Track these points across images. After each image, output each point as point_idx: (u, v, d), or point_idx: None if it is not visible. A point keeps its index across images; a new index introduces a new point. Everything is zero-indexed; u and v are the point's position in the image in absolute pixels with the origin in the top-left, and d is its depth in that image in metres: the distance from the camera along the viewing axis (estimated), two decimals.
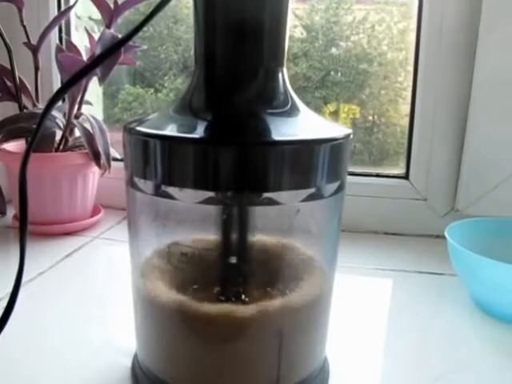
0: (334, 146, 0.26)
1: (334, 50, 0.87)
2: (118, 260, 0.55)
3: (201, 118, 0.26)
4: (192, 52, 0.28)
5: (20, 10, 0.56)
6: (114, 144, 0.59)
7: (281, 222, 0.28)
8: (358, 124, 0.85)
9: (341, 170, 0.28)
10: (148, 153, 0.26)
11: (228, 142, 0.24)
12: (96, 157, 0.56)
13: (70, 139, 0.59)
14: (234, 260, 0.29)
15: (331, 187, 0.28)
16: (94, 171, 0.60)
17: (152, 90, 0.89)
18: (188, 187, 0.26)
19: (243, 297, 0.28)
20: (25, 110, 0.58)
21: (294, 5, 0.91)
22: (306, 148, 0.25)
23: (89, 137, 0.55)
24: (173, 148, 0.25)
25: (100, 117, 0.82)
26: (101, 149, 0.55)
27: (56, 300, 0.45)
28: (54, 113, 0.58)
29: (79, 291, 0.47)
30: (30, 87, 0.59)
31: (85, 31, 0.57)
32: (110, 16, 0.54)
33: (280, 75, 0.28)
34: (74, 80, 0.30)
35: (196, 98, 0.27)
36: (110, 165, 0.57)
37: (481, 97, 0.56)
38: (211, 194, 0.27)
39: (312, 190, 0.26)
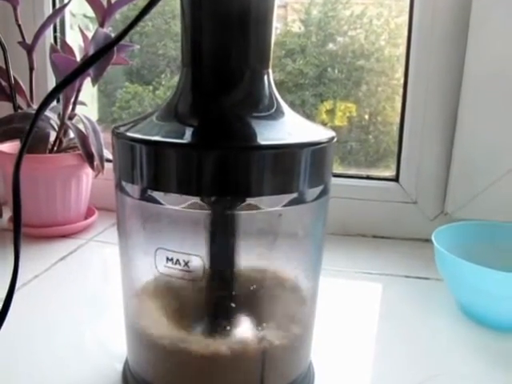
0: (317, 150, 0.28)
1: (331, 46, 0.89)
2: (112, 263, 0.57)
3: (187, 123, 0.28)
4: None
5: (15, 9, 0.58)
6: (110, 145, 0.62)
7: (264, 227, 0.30)
8: (355, 122, 0.87)
9: (324, 173, 0.29)
10: (134, 157, 0.28)
11: (210, 146, 0.26)
12: (89, 158, 0.58)
13: (64, 140, 0.61)
14: (221, 291, 0.31)
15: (314, 191, 0.29)
16: (88, 173, 0.62)
17: (150, 88, 0.91)
18: (172, 192, 0.28)
19: (228, 329, 0.30)
20: (19, 111, 0.60)
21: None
22: (288, 152, 0.26)
23: (82, 138, 0.57)
24: (157, 152, 0.27)
25: (95, 117, 0.84)
26: (94, 150, 0.58)
27: (50, 303, 0.46)
28: (48, 113, 0.60)
29: (73, 295, 0.48)
30: (25, 87, 0.62)
31: (78, 28, 0.59)
32: (103, 14, 0.56)
33: (265, 78, 0.29)
34: (66, 82, 0.32)
35: (182, 102, 0.29)
36: (103, 166, 0.59)
37: (470, 101, 0.58)
38: (196, 199, 0.29)
39: (294, 195, 0.28)
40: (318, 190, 0.29)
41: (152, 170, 0.27)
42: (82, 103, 0.63)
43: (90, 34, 0.58)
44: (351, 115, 0.88)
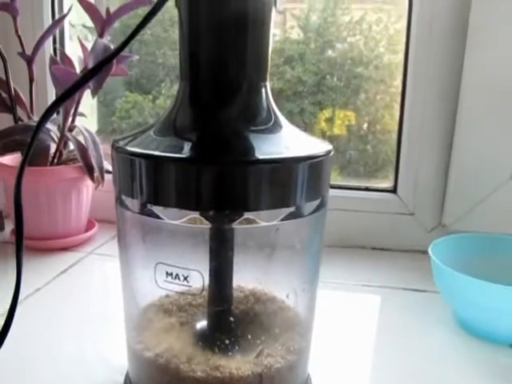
0: (314, 164, 0.28)
1: (330, 53, 0.90)
2: (112, 276, 0.57)
3: (185, 137, 0.29)
4: None
5: (15, 19, 0.59)
6: (110, 156, 0.62)
7: (261, 240, 0.31)
8: (354, 131, 0.88)
9: (321, 187, 0.30)
10: (134, 171, 0.29)
11: (208, 161, 0.26)
12: (89, 170, 0.59)
13: (64, 152, 0.62)
14: (220, 306, 0.31)
15: (311, 205, 0.30)
16: (88, 185, 0.63)
17: (150, 97, 0.92)
18: (171, 206, 0.28)
19: (227, 343, 0.31)
20: (20, 122, 0.61)
21: (291, 4, 0.93)
22: (285, 166, 0.27)
23: (82, 150, 0.58)
24: (157, 167, 0.27)
25: (95, 127, 0.85)
26: (94, 162, 0.58)
27: (52, 317, 0.47)
28: (49, 126, 0.61)
29: (75, 308, 0.49)
30: (25, 99, 0.62)
31: (78, 38, 0.60)
32: (102, 25, 0.57)
33: (263, 90, 0.30)
34: (66, 95, 0.32)
35: (181, 116, 0.29)
36: (103, 178, 0.60)
37: (467, 113, 0.59)
38: (195, 213, 0.29)
39: (292, 209, 0.29)
40: (315, 203, 0.30)
41: (151, 184, 0.28)
42: (82, 114, 0.64)
43: (88, 45, 0.58)
44: (350, 123, 0.88)
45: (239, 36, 0.27)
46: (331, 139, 0.89)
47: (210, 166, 0.26)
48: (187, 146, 0.28)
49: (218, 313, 0.33)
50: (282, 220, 0.29)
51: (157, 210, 0.29)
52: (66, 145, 0.62)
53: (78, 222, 0.64)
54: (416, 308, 0.51)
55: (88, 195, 0.64)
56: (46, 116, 0.33)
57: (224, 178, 0.26)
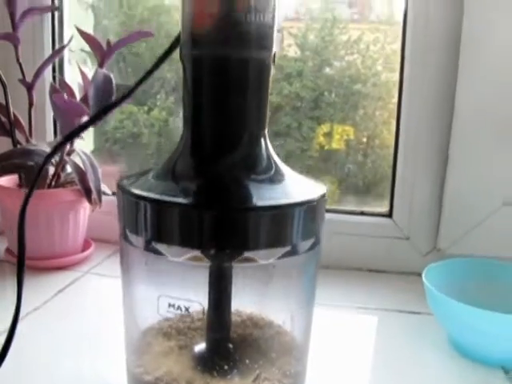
0: (309, 208, 0.31)
1: (327, 70, 0.92)
2: (109, 296, 0.59)
3: (188, 182, 0.31)
4: None
5: (16, 48, 0.62)
6: (107, 176, 0.64)
7: (259, 276, 0.33)
8: (353, 146, 0.89)
9: (316, 226, 0.32)
10: (139, 212, 0.31)
11: (211, 206, 0.29)
12: (87, 193, 0.61)
13: (62, 175, 0.64)
14: (219, 334, 0.34)
15: (306, 244, 0.32)
16: (85, 206, 0.65)
17: (145, 108, 0.92)
18: (175, 245, 0.31)
19: (226, 368, 0.33)
20: (18, 146, 0.63)
21: (288, 23, 0.96)
22: (282, 212, 0.29)
23: (81, 174, 0.60)
24: (161, 210, 0.30)
25: (91, 143, 0.87)
26: (92, 185, 0.60)
27: (50, 335, 0.49)
28: (46, 149, 0.63)
29: (72, 327, 0.51)
30: (24, 122, 0.64)
31: (77, 64, 0.62)
32: (102, 56, 0.59)
33: (262, 140, 0.32)
34: (73, 134, 0.35)
35: (185, 162, 0.32)
36: (101, 200, 0.62)
37: (460, 140, 0.61)
38: (197, 251, 0.31)
39: (288, 248, 0.31)
40: (309, 242, 0.32)
41: (156, 224, 0.30)
42: (80, 137, 0.65)
43: (86, 69, 0.60)
44: (349, 138, 0.90)
45: (240, 93, 0.30)
46: (330, 153, 0.92)
47: (211, 211, 0.28)
48: (190, 191, 0.30)
49: (216, 340, 0.35)
50: (279, 258, 0.31)
51: (160, 247, 0.31)
52: (63, 168, 0.64)
53: (75, 242, 0.66)
54: (411, 330, 0.53)
55: (85, 216, 0.66)
56: (54, 152, 0.35)
57: (225, 222, 0.29)
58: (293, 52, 0.92)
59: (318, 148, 0.92)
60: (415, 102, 0.64)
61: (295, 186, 0.32)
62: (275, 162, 0.32)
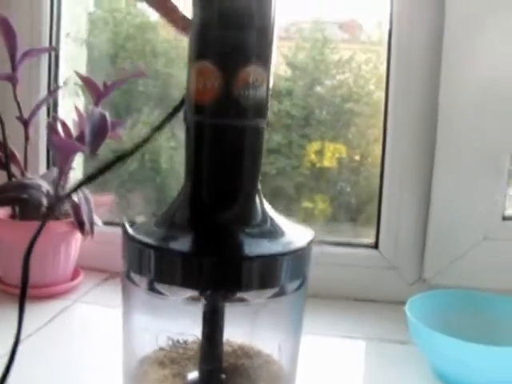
0: (297, 255, 0.35)
1: (319, 89, 0.94)
2: (98, 324, 0.64)
3: (188, 232, 0.36)
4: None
5: (14, 87, 0.65)
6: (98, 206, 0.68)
7: (250, 313, 0.37)
8: (345, 164, 0.92)
9: (302, 269, 0.37)
10: (143, 257, 0.35)
11: (208, 255, 0.33)
12: (81, 226, 0.64)
13: (55, 207, 0.67)
14: (213, 364, 0.37)
15: (294, 284, 0.36)
16: (77, 237, 0.68)
17: (129, 124, 0.93)
18: (175, 285, 0.35)
19: None
20: (13, 179, 0.66)
21: (278, 42, 0.98)
22: (272, 261, 0.34)
23: (75, 208, 0.64)
24: (165, 257, 0.34)
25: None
26: (85, 218, 0.64)
27: (45, 362, 0.53)
28: (40, 182, 0.66)
29: (65, 354, 0.55)
30: (19, 156, 0.68)
31: (73, 103, 0.66)
32: (98, 96, 0.63)
33: (257, 195, 0.37)
34: (80, 185, 0.39)
35: (183, 212, 0.36)
36: (93, 232, 0.65)
37: (443, 171, 0.66)
38: (194, 291, 0.35)
39: (277, 289, 0.35)
40: (297, 283, 0.36)
41: (159, 268, 0.34)
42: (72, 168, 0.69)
43: (79, 102, 0.64)
44: (341, 156, 0.92)
45: (237, 156, 0.35)
46: (321, 171, 0.94)
47: (209, 259, 0.33)
48: (191, 240, 0.35)
49: (209, 371, 0.39)
50: (269, 298, 0.35)
51: (161, 287, 0.35)
52: None
53: (65, 271, 0.70)
54: (396, 359, 0.56)
55: (76, 246, 0.70)
56: (59, 204, 0.39)
57: (221, 269, 0.33)
58: (282, 71, 0.94)
59: (309, 165, 0.93)
60: (398, 147, 0.70)
61: (285, 236, 0.36)
62: (268, 214, 0.37)
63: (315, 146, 0.92)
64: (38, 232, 0.40)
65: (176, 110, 0.36)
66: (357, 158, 0.90)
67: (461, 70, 0.65)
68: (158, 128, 0.36)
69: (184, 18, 0.36)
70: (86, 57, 0.87)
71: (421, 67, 0.68)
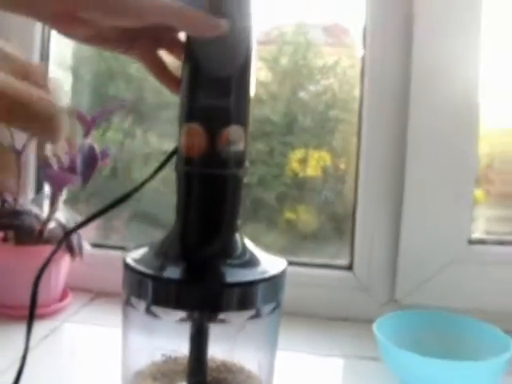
0: (272, 281, 0.45)
1: (302, 94, 0.97)
2: (87, 343, 0.76)
3: (179, 263, 0.47)
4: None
5: None
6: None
7: (231, 333, 0.47)
8: (330, 172, 0.95)
9: (277, 294, 0.47)
10: (142, 285, 0.45)
11: (197, 282, 0.44)
12: (71, 250, 0.73)
13: (45, 231, 0.76)
14: (198, 377, 0.47)
15: (269, 307, 0.47)
16: (67, 260, 0.77)
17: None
18: (170, 308, 0.44)
19: None
20: (5, 205, 0.74)
21: (259, 46, 1.02)
22: (250, 288, 0.44)
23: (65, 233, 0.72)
24: (161, 284, 0.44)
25: None
26: (75, 243, 0.72)
27: (41, 380, 0.63)
28: (31, 207, 0.75)
29: (54, 374, 0.65)
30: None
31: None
32: (88, 127, 0.72)
33: (237, 232, 0.48)
34: (80, 226, 0.48)
35: (175, 246, 0.47)
36: (82, 254, 0.74)
37: (413, 194, 0.78)
38: (184, 313, 0.45)
39: (253, 312, 0.45)
40: (272, 305, 0.46)
41: (155, 293, 0.44)
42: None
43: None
44: (325, 165, 0.95)
45: (220, 200, 0.47)
46: (305, 180, 0.97)
47: (197, 286, 0.44)
48: (180, 270, 0.45)
49: (196, 382, 0.48)
50: (247, 319, 0.44)
51: (156, 310, 0.44)
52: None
53: (55, 293, 0.79)
54: (368, 375, 0.67)
55: (65, 269, 0.78)
56: (73, 230, 0.48)
57: (207, 294, 0.45)
58: (263, 76, 0.97)
59: (292, 175, 0.96)
60: (370, 167, 0.81)
61: (261, 265, 0.47)
62: (246, 247, 0.48)
63: (298, 154, 0.94)
64: (49, 259, 0.49)
65: (168, 158, 0.46)
66: (342, 166, 0.93)
67: (430, 96, 0.76)
68: (150, 178, 0.46)
69: (175, 78, 0.45)
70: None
71: (391, 93, 0.79)
